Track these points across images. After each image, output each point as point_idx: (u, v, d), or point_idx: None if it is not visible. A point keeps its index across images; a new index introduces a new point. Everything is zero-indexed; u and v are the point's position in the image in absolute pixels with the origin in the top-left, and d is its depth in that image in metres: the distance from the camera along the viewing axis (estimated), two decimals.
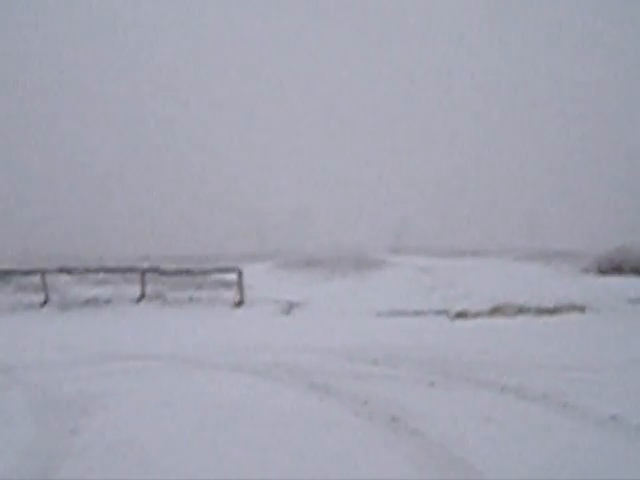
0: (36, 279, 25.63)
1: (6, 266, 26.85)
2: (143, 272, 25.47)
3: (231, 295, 25.30)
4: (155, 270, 25.92)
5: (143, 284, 25.33)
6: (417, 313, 22.36)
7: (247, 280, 26.14)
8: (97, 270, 26.97)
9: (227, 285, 27.09)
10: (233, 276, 26.10)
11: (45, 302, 24.48)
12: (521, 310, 21.92)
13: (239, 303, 24.44)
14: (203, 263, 33.75)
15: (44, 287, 24.87)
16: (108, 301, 24.79)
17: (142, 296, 25.07)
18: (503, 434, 7.70)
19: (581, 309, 21.54)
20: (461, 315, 21.62)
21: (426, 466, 6.69)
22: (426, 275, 33.52)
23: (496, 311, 22.00)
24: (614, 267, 33.46)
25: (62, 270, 25.65)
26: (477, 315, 21.57)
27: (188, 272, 26.62)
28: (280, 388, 10.48)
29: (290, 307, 23.99)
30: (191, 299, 25.14)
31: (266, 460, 6.91)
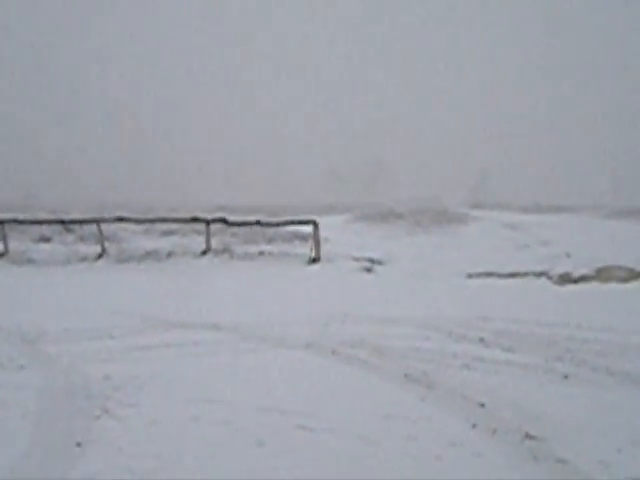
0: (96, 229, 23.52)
1: (74, 214, 24.98)
2: (208, 223, 23.12)
3: (305, 250, 22.81)
4: (222, 221, 23.49)
5: (208, 236, 23.03)
6: (513, 275, 19.81)
7: (323, 233, 23.65)
8: (158, 220, 24.74)
9: (301, 239, 24.65)
10: (308, 229, 23.54)
11: (101, 254, 22.35)
12: (633, 274, 19.06)
13: (315, 259, 21.94)
14: (277, 214, 31.38)
15: (100, 238, 22.72)
16: (170, 254, 22.62)
17: (207, 249, 22.77)
18: None
19: None
20: (565, 279, 18.93)
21: None
22: (513, 231, 30.98)
23: (603, 274, 19.18)
24: None
25: (120, 219, 23.43)
26: (583, 279, 18.88)
27: (258, 223, 24.10)
28: (366, 379, 8.00)
29: (372, 265, 21.53)
30: (261, 253, 22.76)
31: None
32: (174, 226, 25.91)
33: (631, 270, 19.28)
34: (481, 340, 10.27)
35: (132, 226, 25.54)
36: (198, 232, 24.71)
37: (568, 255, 22.50)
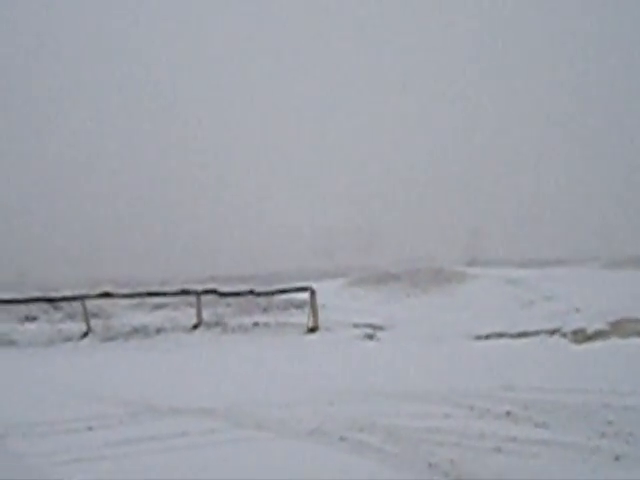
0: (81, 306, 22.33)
1: (64, 291, 23.79)
2: (199, 295, 21.93)
3: (302, 319, 21.61)
4: (213, 292, 22.30)
5: (199, 309, 21.87)
6: (524, 334, 18.70)
7: (319, 299, 22.49)
8: (145, 294, 23.56)
9: (297, 307, 23.47)
10: (303, 296, 22.36)
11: (86, 333, 21.14)
12: None
13: (313, 328, 20.72)
14: (270, 282, 30.24)
15: (85, 315, 21.51)
16: (159, 330, 21.42)
17: (198, 323, 21.58)
18: None
19: None
20: (580, 335, 17.77)
21: None
22: (515, 288, 29.94)
23: (619, 329, 18.01)
24: None
25: (106, 294, 22.20)
26: (599, 334, 17.70)
27: (252, 293, 22.92)
28: (383, 473, 6.76)
29: (373, 331, 20.37)
30: (256, 325, 21.57)
31: None
32: (165, 299, 24.74)
33: None
34: (508, 414, 9.05)
35: (122, 301, 24.45)
36: (190, 304, 23.57)
37: (577, 310, 21.44)
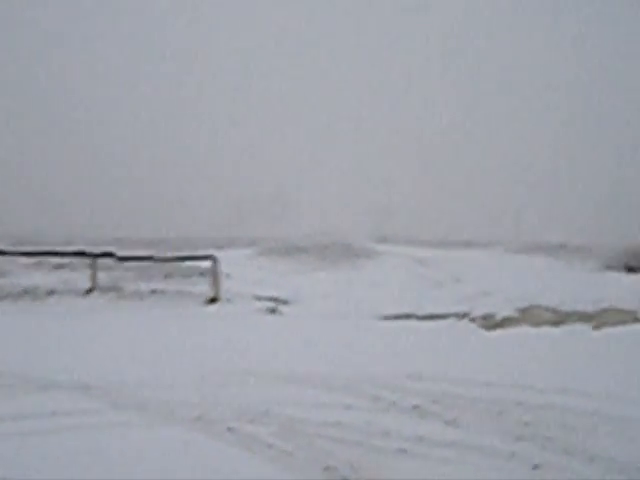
0: None
1: None
2: (95, 257, 20.66)
3: (204, 288, 20.55)
4: (110, 255, 21.03)
5: (94, 273, 20.59)
6: (433, 317, 17.99)
7: (224, 269, 21.47)
8: (38, 254, 22.21)
9: (202, 275, 22.40)
10: (208, 264, 21.29)
11: None
12: (560, 316, 17.37)
13: (213, 299, 19.68)
14: (179, 249, 29.14)
15: None
16: (51, 292, 20.10)
17: (93, 288, 20.32)
18: None
19: (633, 315, 16.96)
20: (489, 321, 17.17)
21: None
22: (425, 267, 29.56)
23: (529, 316, 17.47)
24: None
25: None
26: (508, 321, 17.12)
27: (151, 259, 21.72)
28: (271, 475, 5.88)
29: (276, 305, 19.42)
30: (154, 292, 20.39)
31: None
32: (66, 260, 23.38)
33: (555, 311, 17.66)
34: (415, 408, 8.22)
35: (21, 259, 23.13)
36: (103, 267, 22.37)
37: (486, 294, 20.94)
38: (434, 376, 10.08)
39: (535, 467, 6.07)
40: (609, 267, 30.78)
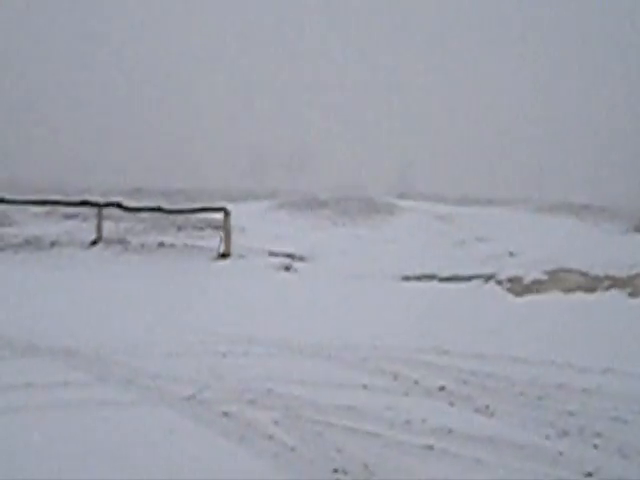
0: None
1: None
2: (100, 207, 19.57)
3: (216, 242, 19.42)
4: (117, 205, 19.92)
5: (100, 223, 19.51)
6: (456, 278, 16.79)
7: (240, 222, 20.48)
8: (41, 202, 21.16)
9: (215, 228, 21.33)
10: (220, 217, 20.14)
11: None
12: (591, 280, 16.18)
13: (224, 254, 18.55)
14: (195, 199, 28.13)
15: None
16: (54, 243, 19.06)
17: (98, 239, 19.26)
18: None
19: None
20: (517, 285, 16.01)
21: None
22: (446, 225, 28.33)
23: (558, 281, 16.28)
24: None
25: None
26: (538, 286, 15.96)
27: (159, 210, 20.56)
28: None
29: (292, 262, 18.33)
30: (161, 245, 19.27)
31: None
32: (76, 209, 22.35)
33: (585, 275, 16.41)
34: (441, 390, 7.14)
35: (32, 208, 22.20)
36: (107, 216, 21.40)
37: (511, 254, 19.82)
38: (461, 350, 8.95)
39: (588, 475, 5.00)
40: (638, 229, 29.60)
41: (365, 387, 7.18)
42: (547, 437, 5.81)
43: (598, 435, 5.87)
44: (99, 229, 19.45)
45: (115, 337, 9.38)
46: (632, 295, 14.86)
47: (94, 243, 19.09)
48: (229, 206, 20.57)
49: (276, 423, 5.94)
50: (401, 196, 52.51)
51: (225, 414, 6.15)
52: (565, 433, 5.91)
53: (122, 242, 19.36)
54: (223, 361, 8.17)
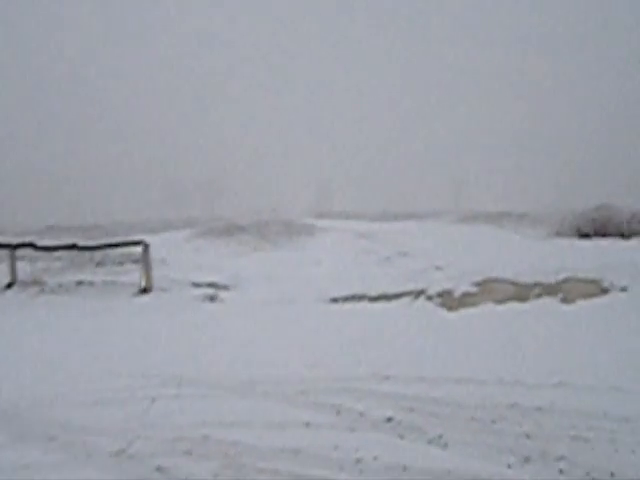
0: None
1: None
2: (13, 248, 18.71)
3: (137, 277, 18.77)
4: (30, 245, 19.03)
5: (13, 265, 18.65)
6: (385, 297, 16.47)
7: (160, 253, 19.89)
8: None
9: (135, 262, 20.71)
10: (140, 250, 19.44)
11: None
12: (521, 289, 16.00)
13: (145, 289, 17.87)
14: (113, 234, 27.38)
15: None
16: None
17: (12, 281, 18.42)
18: None
19: (598, 285, 15.60)
20: (448, 299, 15.76)
21: None
22: (369, 242, 28.19)
23: (488, 291, 16.07)
24: (596, 229, 28.41)
25: None
26: (469, 299, 15.72)
27: (75, 247, 19.70)
28: None
29: (216, 291, 17.76)
30: (80, 284, 18.50)
31: None
32: None
33: (514, 284, 16.26)
34: (389, 422, 6.69)
35: None
36: (22, 257, 20.56)
37: (438, 268, 19.62)
38: (402, 374, 8.50)
39: None
40: (559, 234, 29.84)
41: (308, 425, 6.68)
42: (509, 466, 5.42)
43: (561, 458, 5.51)
44: (13, 271, 18.61)
45: (34, 387, 8.71)
46: (564, 301, 14.74)
47: (9, 286, 18.26)
48: (148, 238, 19.99)
49: (216, 476, 5.42)
50: (320, 216, 52.37)
51: (159, 469, 5.62)
52: (527, 459, 5.53)
53: (38, 283, 18.54)
54: (153, 406, 7.58)
